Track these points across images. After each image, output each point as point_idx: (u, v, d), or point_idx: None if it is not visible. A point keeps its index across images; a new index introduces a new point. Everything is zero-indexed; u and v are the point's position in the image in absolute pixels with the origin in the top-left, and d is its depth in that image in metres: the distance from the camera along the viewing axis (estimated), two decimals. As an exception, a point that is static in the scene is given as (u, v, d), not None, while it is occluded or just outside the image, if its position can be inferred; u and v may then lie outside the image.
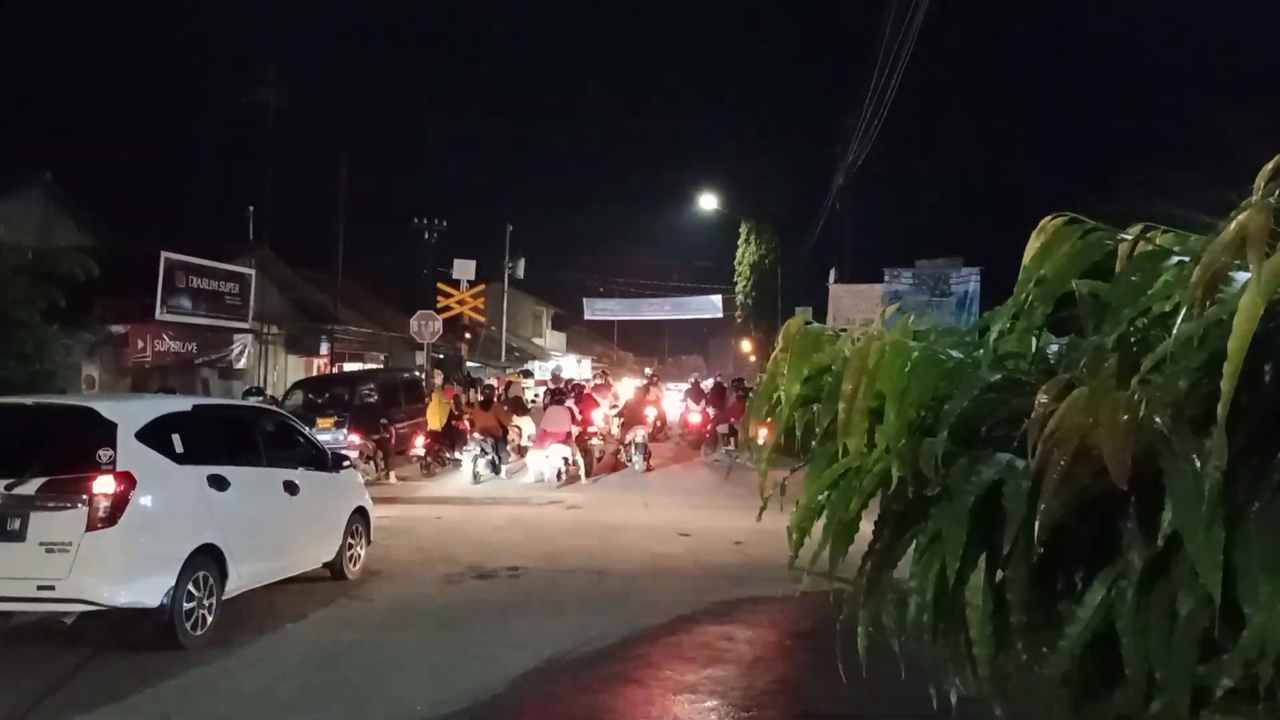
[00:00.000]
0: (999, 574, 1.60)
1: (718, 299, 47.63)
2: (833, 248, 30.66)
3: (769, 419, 2.20)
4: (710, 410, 24.29)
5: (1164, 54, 26.04)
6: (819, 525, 2.15)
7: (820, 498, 2.00)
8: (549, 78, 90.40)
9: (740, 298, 47.29)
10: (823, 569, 2.15)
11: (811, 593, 8.57)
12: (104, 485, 6.73)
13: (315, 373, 26.97)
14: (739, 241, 46.51)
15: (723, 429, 22.67)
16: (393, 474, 17.81)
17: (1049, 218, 1.76)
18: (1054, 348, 1.82)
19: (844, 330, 2.14)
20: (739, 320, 51.24)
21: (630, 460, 20.12)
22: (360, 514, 9.93)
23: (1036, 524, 1.41)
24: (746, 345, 56.35)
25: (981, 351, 1.85)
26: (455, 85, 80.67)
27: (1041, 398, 1.47)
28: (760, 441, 2.34)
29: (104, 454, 6.83)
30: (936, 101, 30.60)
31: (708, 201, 43.08)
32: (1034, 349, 1.82)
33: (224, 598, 7.62)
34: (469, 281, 30.68)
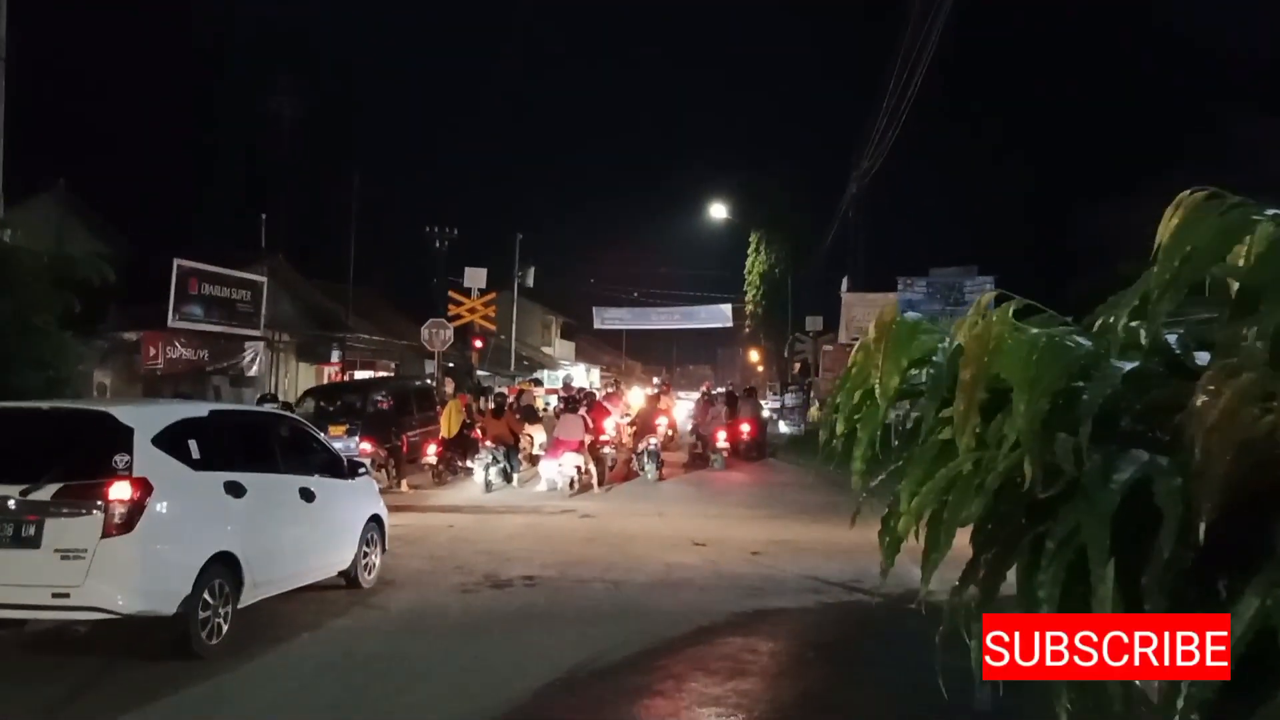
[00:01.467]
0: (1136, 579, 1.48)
1: (727, 308, 47.56)
2: (845, 257, 30.58)
3: (856, 416, 2.08)
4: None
5: (1184, 60, 25.90)
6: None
7: (915, 500, 1.87)
8: (561, 86, 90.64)
9: (750, 307, 47.24)
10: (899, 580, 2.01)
11: (833, 604, 8.46)
12: (120, 491, 6.64)
13: (326, 380, 26.93)
14: (749, 251, 46.50)
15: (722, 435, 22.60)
16: (405, 482, 17.72)
17: (1187, 192, 1.64)
18: (1172, 337, 1.71)
19: (932, 323, 2.01)
20: (748, 330, 51.19)
21: (643, 469, 20.00)
22: (376, 522, 9.84)
23: (1199, 525, 1.29)
24: (755, 355, 56.33)
25: (1109, 340, 1.72)
26: (467, 92, 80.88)
27: (1209, 387, 1.35)
28: (838, 436, 2.19)
29: (120, 460, 6.74)
30: (952, 109, 30.46)
31: (718, 211, 43.13)
32: (1152, 338, 1.70)
33: (240, 606, 7.51)
34: (479, 290, 30.63)
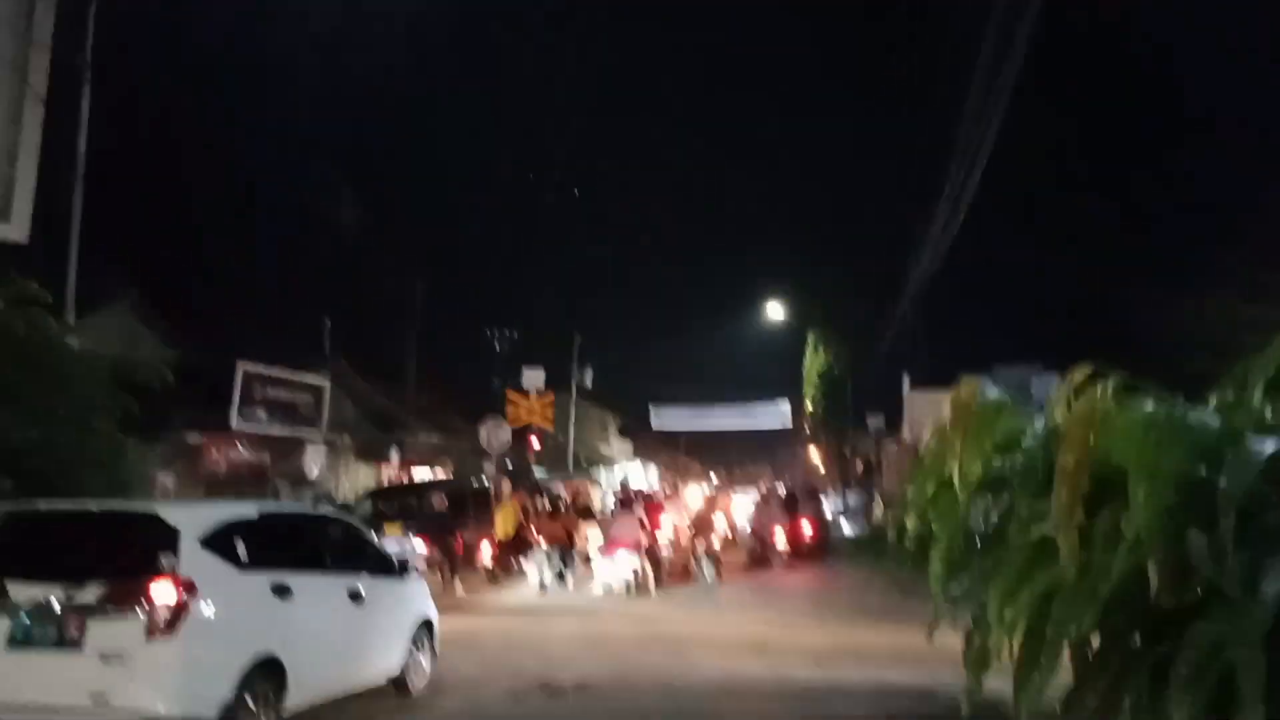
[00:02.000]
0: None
1: (786, 407, 47.05)
2: (905, 353, 30.20)
3: (931, 511, 1.82)
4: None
5: (1245, 143, 25.54)
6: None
7: (1009, 610, 1.59)
8: (617, 187, 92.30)
9: (809, 406, 46.73)
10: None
11: (903, 716, 7.95)
12: (164, 593, 6.53)
13: (385, 480, 26.98)
14: (806, 350, 46.20)
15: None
16: (459, 583, 17.47)
17: None
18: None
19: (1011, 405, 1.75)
20: (807, 430, 50.53)
21: (700, 570, 19.52)
22: (426, 625, 9.60)
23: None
24: (815, 454, 55.44)
25: (1241, 417, 1.45)
26: (525, 195, 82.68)
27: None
28: (910, 534, 1.91)
29: (165, 560, 6.65)
30: (1015, 204, 30.26)
31: (774, 311, 43.01)
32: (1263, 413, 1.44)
33: (284, 715, 7.29)
34: (538, 390, 30.71)
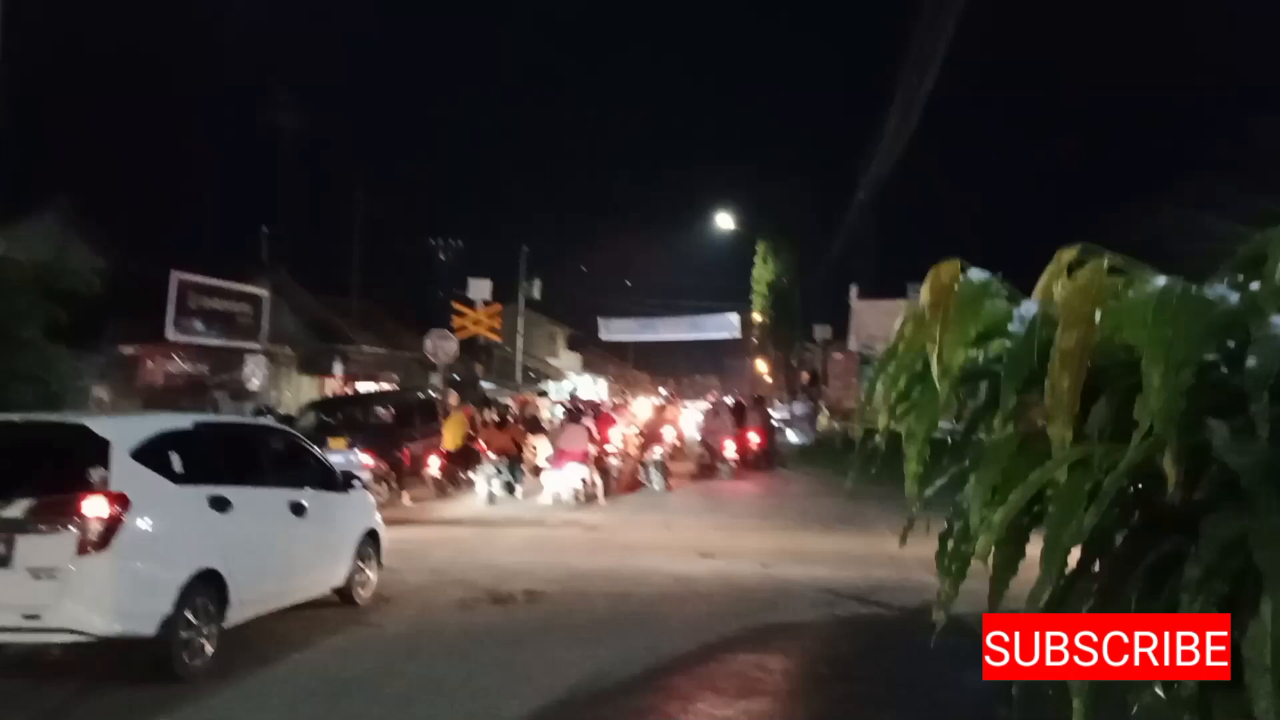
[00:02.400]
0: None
1: (735, 318, 47.11)
2: (853, 265, 30.25)
3: (903, 405, 1.66)
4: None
5: (1197, 64, 25.56)
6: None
7: (999, 511, 1.44)
8: (565, 96, 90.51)
9: (757, 317, 46.88)
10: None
11: (847, 618, 8.07)
12: (95, 507, 6.31)
13: (329, 394, 26.60)
14: (755, 260, 46.16)
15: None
16: (407, 495, 17.36)
17: None
18: None
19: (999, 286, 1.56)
20: (755, 340, 50.80)
21: (649, 480, 19.63)
22: (371, 536, 9.48)
23: None
24: (762, 365, 55.88)
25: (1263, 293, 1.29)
26: (470, 104, 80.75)
27: None
28: (881, 432, 1.74)
29: (96, 474, 6.42)
30: (964, 114, 30.16)
31: (724, 221, 42.82)
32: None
33: (225, 626, 7.15)
34: (484, 301, 30.30)
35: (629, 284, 54.04)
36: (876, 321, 26.05)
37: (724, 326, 47.54)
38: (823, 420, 32.51)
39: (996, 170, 29.32)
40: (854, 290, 28.52)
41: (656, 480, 19.46)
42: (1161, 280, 1.31)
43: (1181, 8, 25.97)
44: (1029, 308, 1.49)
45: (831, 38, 64.15)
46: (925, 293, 1.56)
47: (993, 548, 1.47)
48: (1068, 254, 1.48)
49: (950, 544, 1.57)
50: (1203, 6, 23.93)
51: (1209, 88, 24.94)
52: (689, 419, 31.05)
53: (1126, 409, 1.34)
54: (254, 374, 23.60)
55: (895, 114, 22.79)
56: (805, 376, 40.09)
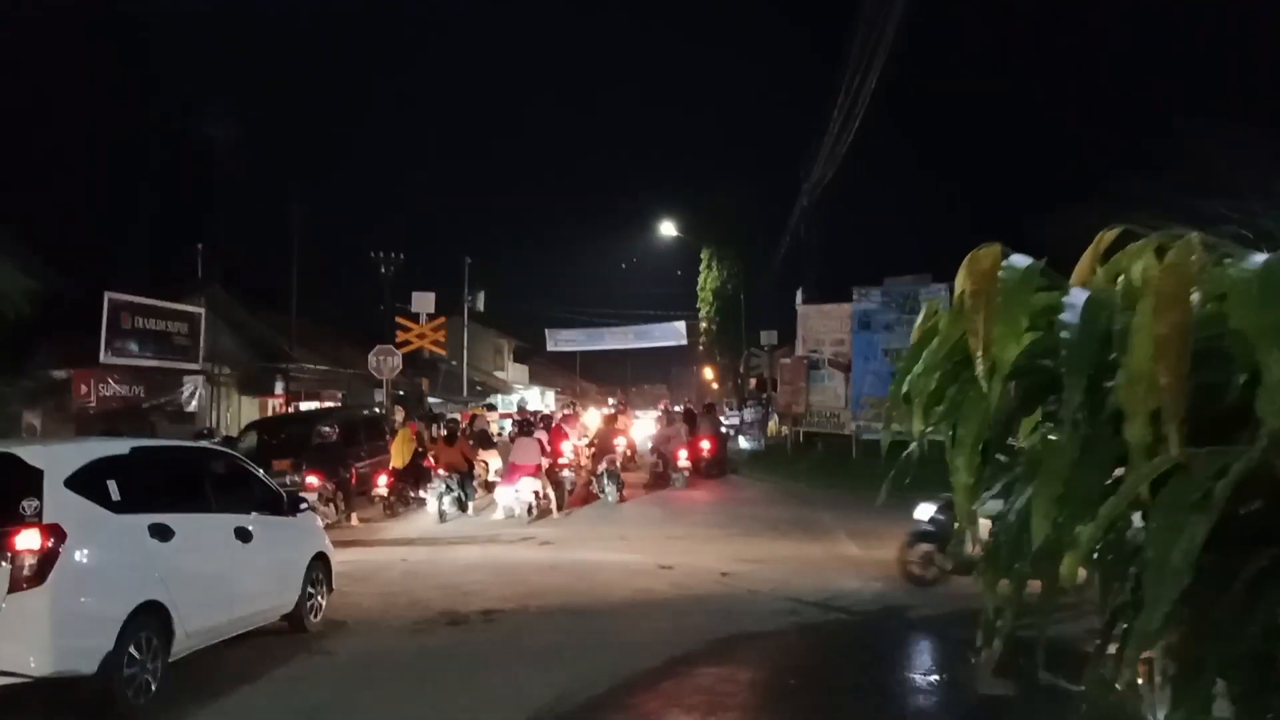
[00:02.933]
0: None
1: (681, 326, 47.13)
2: (799, 270, 30.37)
3: (938, 408, 1.51)
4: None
5: (1133, 62, 26.12)
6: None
7: (1088, 527, 1.30)
8: (503, 105, 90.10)
9: (704, 324, 46.92)
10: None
11: (810, 625, 7.95)
12: (28, 540, 5.98)
13: (271, 413, 26.00)
14: (700, 268, 46.22)
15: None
16: (354, 516, 16.96)
17: None
18: None
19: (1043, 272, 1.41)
20: (702, 347, 50.86)
21: (603, 491, 19.43)
22: (321, 560, 9.19)
23: None
24: (710, 372, 55.97)
25: None
26: (411, 116, 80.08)
27: None
28: (918, 438, 1.57)
29: (28, 505, 6.09)
30: (903, 119, 30.49)
31: (667, 229, 42.84)
32: None
33: (171, 659, 6.85)
34: (428, 315, 29.86)
35: (575, 294, 53.89)
36: (823, 326, 26.15)
37: (671, 334, 47.53)
38: (773, 426, 32.59)
39: (933, 174, 29.70)
40: (799, 295, 28.61)
41: (610, 492, 19.27)
42: (1260, 256, 1.19)
43: (1115, 10, 26.53)
44: (1079, 295, 1.35)
45: (772, 43, 64.71)
46: (963, 280, 1.42)
47: (1078, 568, 1.32)
48: (1108, 236, 1.36)
49: (999, 562, 1.41)
50: (1137, 9, 24.47)
51: (1141, 89, 25.46)
52: (640, 429, 30.92)
53: (1219, 403, 1.21)
54: (193, 395, 22.99)
55: (835, 119, 22.91)
56: (754, 382, 40.20)
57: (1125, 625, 1.34)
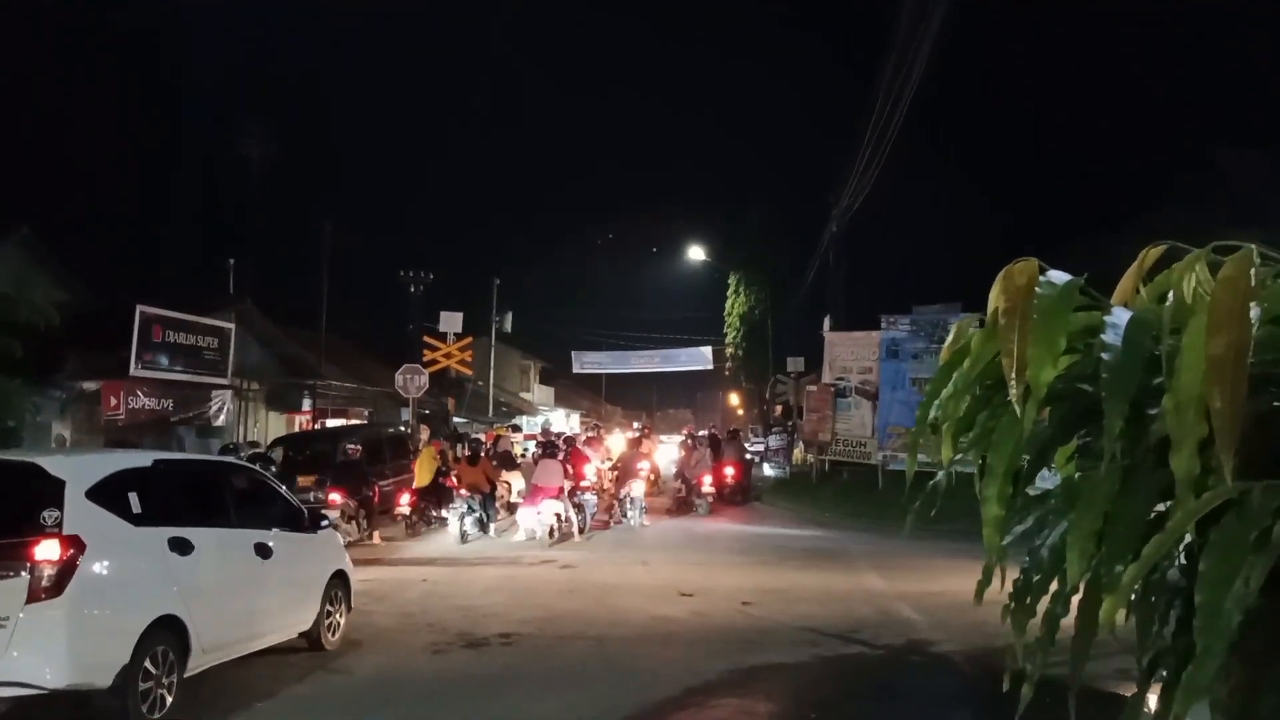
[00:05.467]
0: None
1: (707, 351, 47.04)
2: (826, 296, 30.20)
3: (967, 435, 1.42)
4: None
5: (1167, 94, 25.91)
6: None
7: (1131, 567, 1.20)
8: (536, 132, 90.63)
9: (730, 350, 46.78)
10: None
11: (832, 658, 7.79)
12: (47, 551, 5.97)
13: (297, 429, 26.08)
14: (728, 293, 46.13)
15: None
16: (376, 534, 16.95)
17: None
18: None
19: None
20: (728, 373, 50.68)
21: (625, 516, 19.31)
22: (340, 578, 9.14)
23: None
24: (735, 398, 55.73)
25: None
26: (444, 138, 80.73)
27: None
28: (948, 465, 1.47)
29: (49, 515, 6.08)
30: (934, 147, 30.38)
31: (696, 253, 42.84)
32: None
33: (186, 675, 6.81)
34: (455, 335, 29.96)
35: (601, 317, 53.95)
36: (850, 353, 25.95)
37: (696, 359, 47.46)
38: (798, 453, 32.34)
39: (964, 203, 29.53)
40: (827, 322, 28.44)
41: (633, 516, 19.15)
42: None
43: (1152, 41, 26.35)
44: (1121, 315, 1.26)
45: (803, 68, 64.81)
46: (997, 297, 1.33)
47: (1117, 612, 1.22)
48: (1153, 253, 1.28)
49: (1030, 600, 1.31)
50: (1172, 40, 24.30)
51: (1176, 121, 25.25)
52: (664, 453, 30.79)
53: (1276, 432, 1.11)
54: (221, 410, 23.10)
55: (867, 146, 22.85)
56: (779, 410, 39.96)
57: (1167, 674, 1.26)
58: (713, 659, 8.54)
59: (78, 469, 6.57)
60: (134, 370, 20.20)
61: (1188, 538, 1.17)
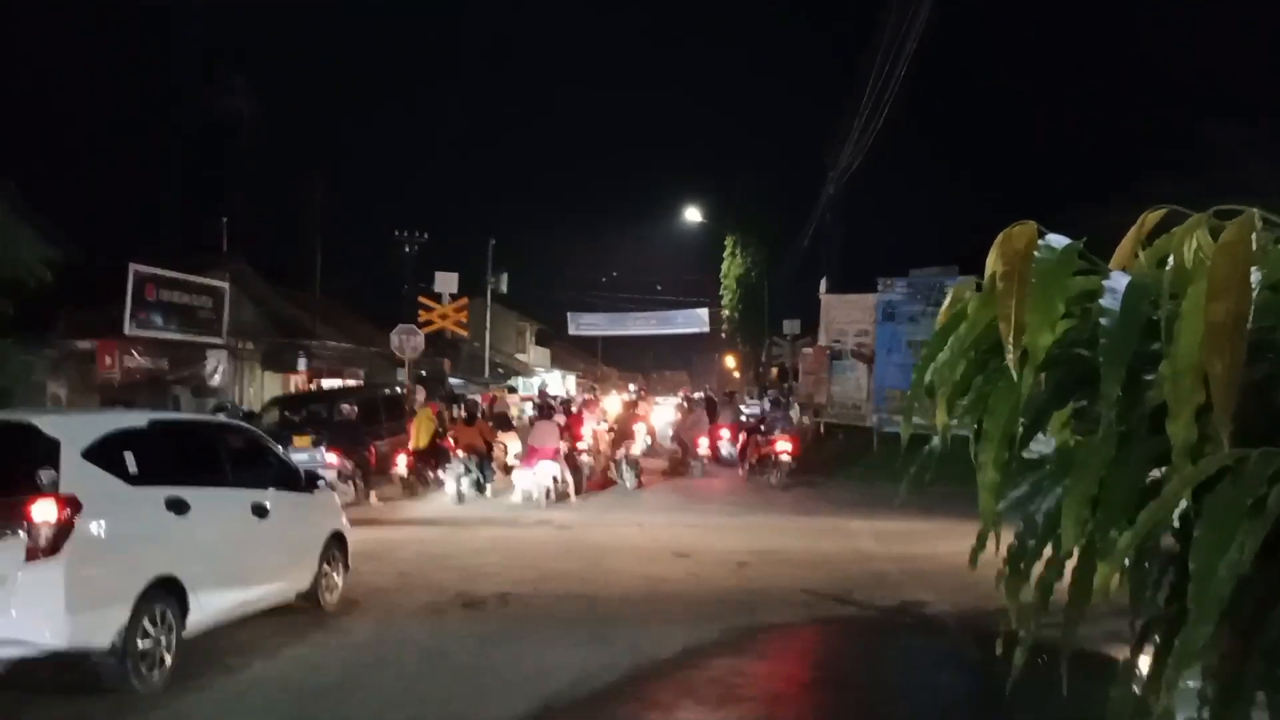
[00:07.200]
0: None
1: (703, 313, 47.02)
2: (822, 259, 30.16)
3: (960, 396, 1.41)
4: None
5: (1157, 65, 25.72)
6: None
7: (1126, 533, 1.20)
8: (532, 88, 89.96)
9: (726, 312, 46.77)
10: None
11: (825, 619, 7.87)
12: (44, 511, 5.97)
13: (293, 389, 26.10)
14: (724, 255, 46.06)
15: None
16: (373, 495, 17.01)
17: None
18: None
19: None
20: (724, 335, 50.70)
21: (621, 477, 19.40)
22: (337, 539, 9.18)
23: None
24: (731, 360, 55.80)
25: None
26: (438, 97, 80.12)
27: None
28: (941, 431, 1.46)
29: (45, 475, 6.08)
30: (931, 110, 30.23)
31: (692, 215, 42.72)
32: None
33: (185, 635, 6.85)
34: (451, 295, 29.87)
35: (598, 278, 53.84)
36: (846, 315, 25.93)
37: (693, 321, 47.43)
38: (793, 415, 32.43)
39: (959, 166, 29.44)
40: (823, 284, 28.39)
41: (629, 478, 19.23)
42: None
43: (1138, 12, 26.14)
44: (1120, 279, 1.26)
45: (800, 29, 64.28)
46: (994, 260, 1.32)
47: (1112, 578, 1.22)
48: (1152, 217, 1.27)
49: (1024, 566, 1.31)
50: (1157, 12, 24.09)
51: (1164, 90, 25.09)
52: (660, 415, 30.84)
53: (1272, 399, 1.11)
54: (216, 370, 23.11)
55: (863, 109, 22.69)
56: (774, 372, 40.02)
57: (1159, 640, 1.27)
58: (708, 619, 8.61)
59: (73, 429, 6.56)
60: (128, 329, 20.19)
61: (1183, 504, 1.18)
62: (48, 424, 6.49)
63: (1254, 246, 1.12)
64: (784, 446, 19.56)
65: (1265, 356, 1.15)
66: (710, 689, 6.67)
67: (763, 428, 21.51)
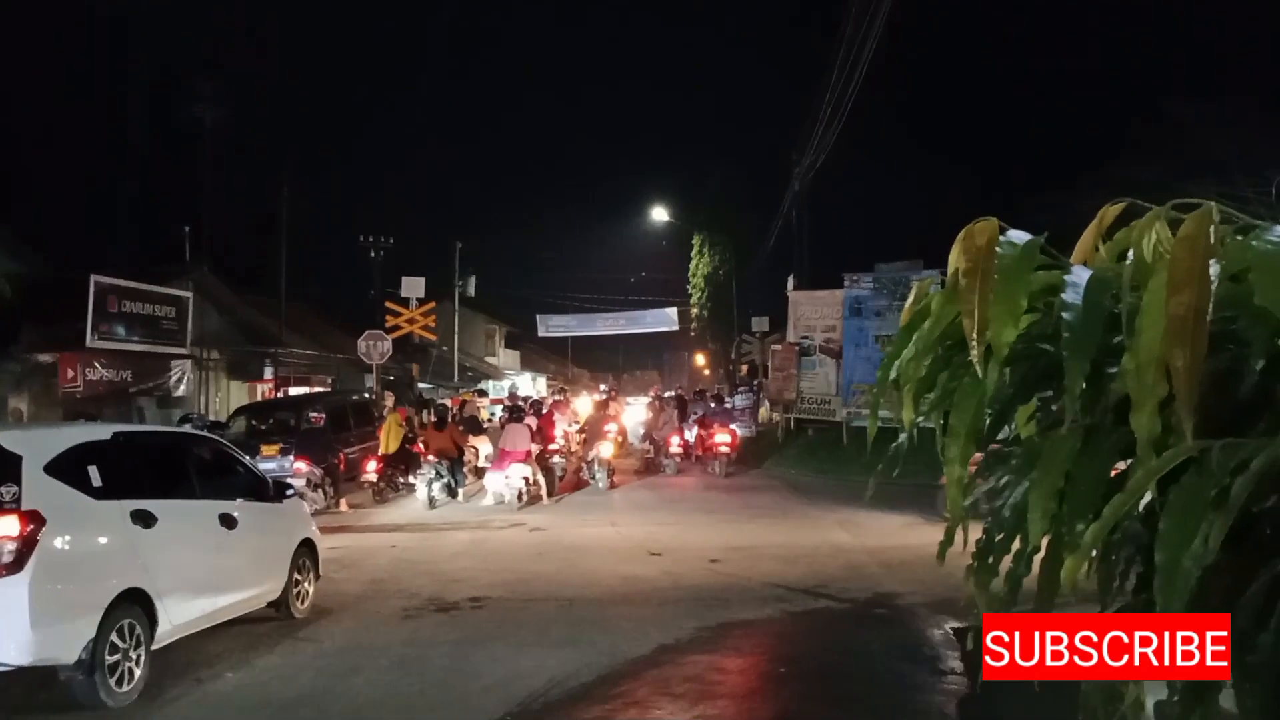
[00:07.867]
0: None
1: (673, 312, 47.07)
2: (790, 256, 30.30)
3: (926, 391, 1.42)
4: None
5: (1120, 47, 26.04)
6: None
7: (1092, 527, 1.21)
8: (494, 90, 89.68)
9: (695, 310, 46.86)
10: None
11: (799, 613, 7.89)
12: (6, 527, 5.89)
13: (260, 398, 25.84)
14: (692, 254, 46.15)
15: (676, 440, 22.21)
16: (343, 501, 16.88)
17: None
18: None
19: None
20: (694, 333, 50.79)
21: (593, 478, 19.37)
22: (307, 546, 9.11)
23: None
24: (701, 358, 55.90)
25: None
26: (400, 99, 79.56)
27: None
28: (909, 426, 1.46)
29: (6, 491, 5.99)
30: (894, 104, 30.42)
31: (659, 213, 42.76)
32: None
33: (154, 647, 6.77)
34: (418, 300, 29.72)
35: (566, 279, 53.75)
36: (814, 312, 26.06)
37: (662, 320, 47.46)
38: (764, 412, 32.54)
39: (924, 160, 29.67)
40: (791, 281, 28.51)
41: (601, 478, 19.21)
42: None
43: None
44: (1081, 274, 1.27)
45: (763, 26, 64.48)
46: (957, 257, 1.32)
47: (1079, 571, 1.25)
48: (1112, 210, 1.28)
49: (992, 560, 1.33)
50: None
51: (1130, 77, 25.40)
52: (631, 415, 30.83)
53: (1234, 391, 1.13)
54: (181, 380, 22.84)
55: (828, 104, 22.82)
56: (744, 369, 40.14)
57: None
58: (683, 617, 8.62)
59: (35, 443, 6.47)
60: (90, 341, 19.91)
61: (1148, 496, 1.19)
62: (8, 439, 6.38)
63: (1213, 239, 1.14)
64: (723, 439, 21.40)
65: (1226, 348, 1.17)
66: (686, 685, 6.68)
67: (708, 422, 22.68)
